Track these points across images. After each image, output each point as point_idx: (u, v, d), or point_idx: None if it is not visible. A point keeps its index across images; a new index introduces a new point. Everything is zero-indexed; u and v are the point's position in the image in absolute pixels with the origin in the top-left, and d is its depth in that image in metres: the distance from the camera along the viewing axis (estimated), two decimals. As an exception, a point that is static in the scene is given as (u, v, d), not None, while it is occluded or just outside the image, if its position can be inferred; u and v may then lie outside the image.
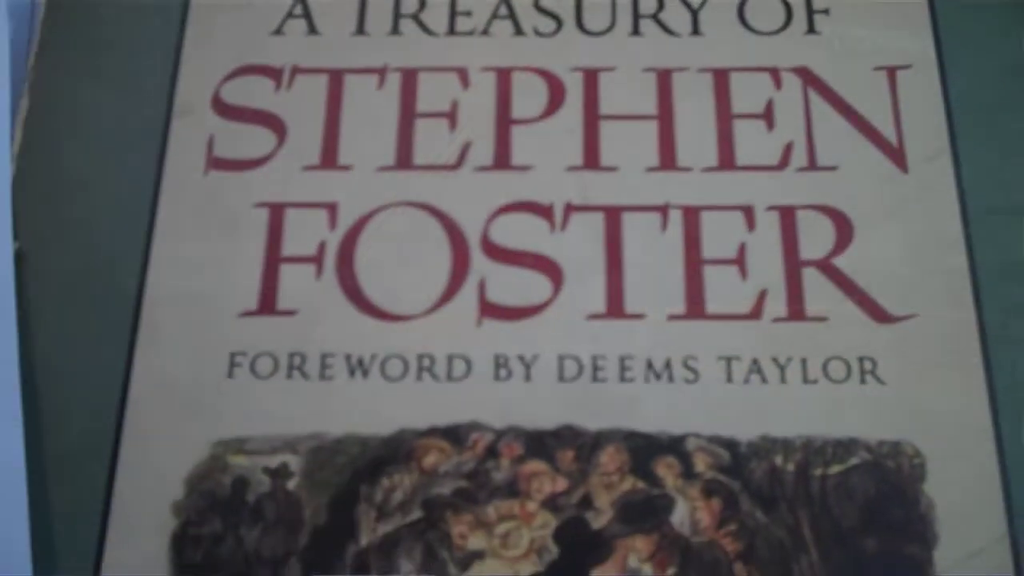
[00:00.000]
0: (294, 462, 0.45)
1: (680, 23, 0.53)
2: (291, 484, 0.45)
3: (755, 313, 0.47)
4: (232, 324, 0.48)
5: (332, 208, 0.50)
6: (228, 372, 0.47)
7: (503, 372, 0.46)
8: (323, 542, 0.44)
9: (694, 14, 0.53)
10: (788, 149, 0.50)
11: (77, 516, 0.45)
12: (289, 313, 0.48)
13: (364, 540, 0.44)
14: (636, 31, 0.53)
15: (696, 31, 0.53)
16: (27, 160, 0.51)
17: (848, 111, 0.51)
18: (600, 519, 0.44)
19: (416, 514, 0.45)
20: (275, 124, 0.51)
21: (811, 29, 0.52)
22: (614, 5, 0.53)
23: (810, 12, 0.53)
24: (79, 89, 0.52)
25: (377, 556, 0.44)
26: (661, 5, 0.53)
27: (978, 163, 0.49)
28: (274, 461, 0.45)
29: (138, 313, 0.48)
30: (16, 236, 0.49)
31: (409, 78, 0.52)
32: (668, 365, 0.46)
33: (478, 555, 0.44)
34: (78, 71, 0.53)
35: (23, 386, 0.46)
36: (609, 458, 0.45)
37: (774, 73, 0.52)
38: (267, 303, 0.48)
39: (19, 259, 0.48)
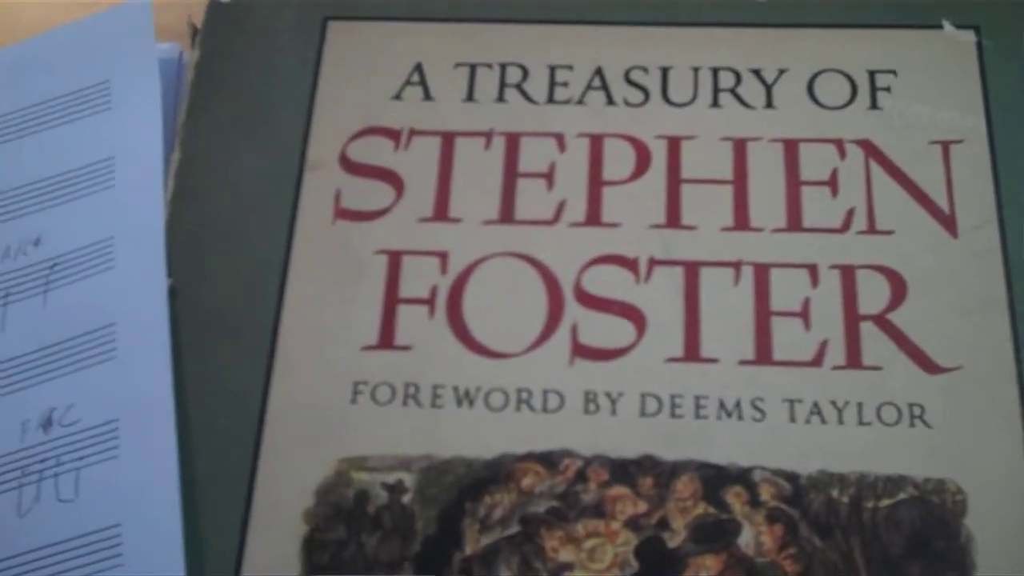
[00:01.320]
0: (408, 479, 0.52)
1: (755, 97, 0.59)
2: (405, 498, 0.52)
3: (816, 361, 0.53)
4: (355, 356, 0.55)
5: (443, 256, 0.56)
6: (352, 399, 0.54)
7: (592, 406, 0.53)
8: (433, 550, 0.51)
9: (768, 89, 0.59)
10: (850, 214, 0.56)
11: (221, 523, 0.52)
12: (405, 348, 0.55)
13: (468, 549, 0.51)
14: (715, 103, 0.59)
15: (769, 104, 0.59)
16: (178, 207, 0.58)
17: (905, 181, 0.57)
18: (675, 539, 0.51)
19: (514, 528, 0.51)
20: (394, 180, 0.58)
21: (874, 105, 0.59)
22: (696, 80, 0.60)
23: (873, 89, 0.59)
24: (223, 144, 0.60)
25: (479, 564, 0.51)
26: (738, 80, 0.60)
27: (1022, 230, 0.55)
28: (391, 478, 0.52)
29: (274, 345, 0.55)
30: (169, 274, 0.56)
31: (512, 141, 0.59)
32: (738, 405, 0.53)
33: (567, 567, 0.50)
34: (222, 128, 0.60)
35: (175, 408, 0.53)
36: (684, 486, 0.52)
37: (839, 144, 0.58)
38: (386, 339, 0.55)
39: (172, 295, 0.56)
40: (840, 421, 0.52)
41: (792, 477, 0.51)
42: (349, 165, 0.59)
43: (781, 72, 0.60)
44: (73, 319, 0.57)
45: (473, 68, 0.61)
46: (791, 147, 0.58)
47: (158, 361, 0.55)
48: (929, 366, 0.53)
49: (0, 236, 0.60)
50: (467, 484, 0.52)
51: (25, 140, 0.63)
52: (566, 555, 0.51)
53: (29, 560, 0.52)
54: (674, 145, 0.58)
